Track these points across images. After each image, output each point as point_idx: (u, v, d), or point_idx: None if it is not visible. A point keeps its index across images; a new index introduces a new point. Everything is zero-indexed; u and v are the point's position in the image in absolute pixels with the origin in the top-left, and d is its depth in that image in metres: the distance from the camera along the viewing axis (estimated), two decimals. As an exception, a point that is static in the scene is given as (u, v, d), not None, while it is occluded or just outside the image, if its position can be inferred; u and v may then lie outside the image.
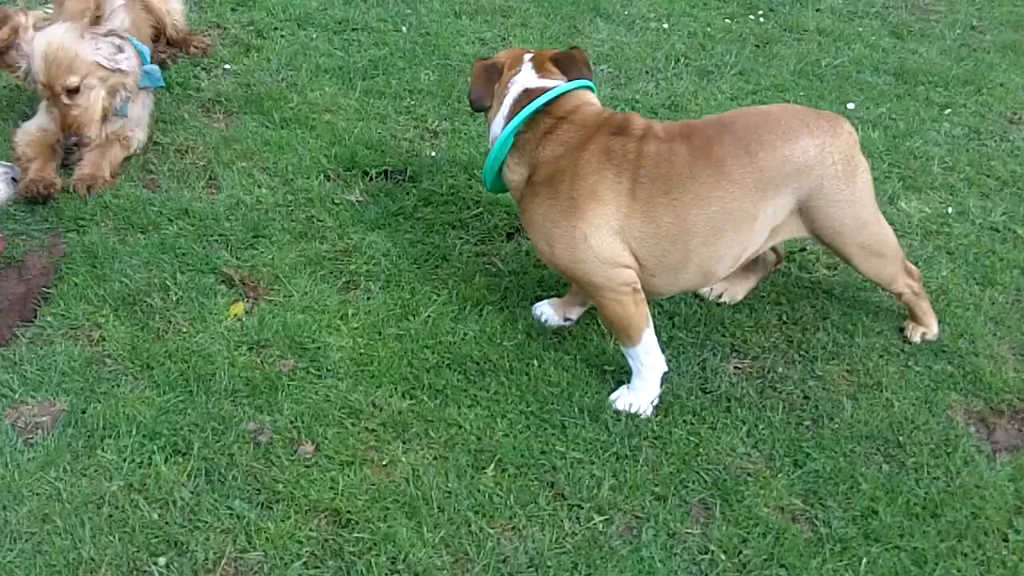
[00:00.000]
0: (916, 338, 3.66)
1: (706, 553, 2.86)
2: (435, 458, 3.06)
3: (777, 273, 3.93)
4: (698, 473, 3.09)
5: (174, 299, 3.55)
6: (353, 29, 5.53)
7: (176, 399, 3.16)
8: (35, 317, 3.51)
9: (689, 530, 2.92)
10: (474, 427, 3.17)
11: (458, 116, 4.83)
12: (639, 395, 3.26)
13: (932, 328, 3.67)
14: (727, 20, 6.19)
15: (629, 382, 3.30)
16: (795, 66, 5.70)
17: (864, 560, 2.87)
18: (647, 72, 5.45)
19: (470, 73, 3.78)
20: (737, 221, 3.18)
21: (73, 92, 4.01)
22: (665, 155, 3.16)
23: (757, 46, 5.91)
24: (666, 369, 3.29)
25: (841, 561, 2.86)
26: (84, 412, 3.09)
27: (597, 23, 6.06)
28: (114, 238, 3.83)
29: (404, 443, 3.10)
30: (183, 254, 3.75)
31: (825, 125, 3.27)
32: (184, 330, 3.43)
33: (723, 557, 2.84)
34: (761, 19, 6.35)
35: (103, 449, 2.98)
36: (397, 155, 4.46)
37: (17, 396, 3.13)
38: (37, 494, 2.83)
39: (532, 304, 3.64)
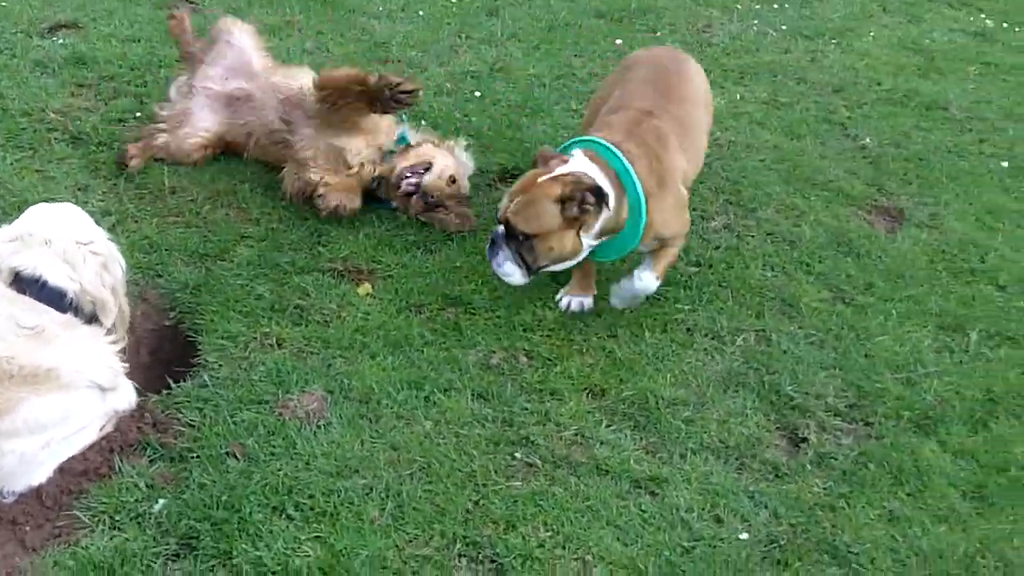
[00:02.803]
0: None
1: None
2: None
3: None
4: None
5: (312, 297, 4.07)
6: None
7: (396, 361, 3.78)
8: (196, 350, 3.85)
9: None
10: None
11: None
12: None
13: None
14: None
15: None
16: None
17: None
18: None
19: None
20: None
21: None
22: None
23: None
24: None
25: None
26: (340, 393, 3.61)
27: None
28: (201, 270, 4.19)
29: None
30: (288, 262, 4.24)
31: None
32: (342, 315, 3.99)
33: None
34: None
35: (382, 408, 3.56)
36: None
37: (278, 399, 3.56)
38: (373, 452, 3.38)
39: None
